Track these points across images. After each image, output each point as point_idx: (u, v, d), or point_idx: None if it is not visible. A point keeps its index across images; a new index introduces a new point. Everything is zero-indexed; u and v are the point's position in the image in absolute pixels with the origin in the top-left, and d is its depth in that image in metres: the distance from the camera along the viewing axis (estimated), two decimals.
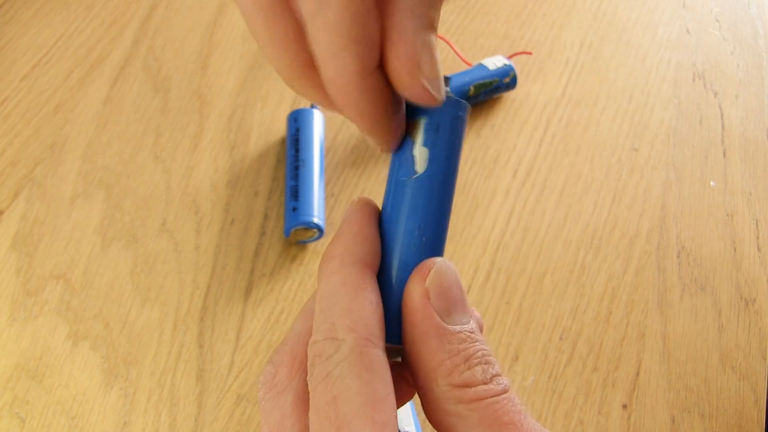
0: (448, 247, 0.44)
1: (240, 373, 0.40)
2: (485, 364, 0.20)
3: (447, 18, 0.56)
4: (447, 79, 0.22)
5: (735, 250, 0.45)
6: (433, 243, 0.22)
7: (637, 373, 0.40)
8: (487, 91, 0.50)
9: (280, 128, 0.49)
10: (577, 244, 0.45)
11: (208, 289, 0.43)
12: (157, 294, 0.42)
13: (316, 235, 0.43)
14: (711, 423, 0.39)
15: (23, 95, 0.50)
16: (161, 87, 0.51)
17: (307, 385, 0.20)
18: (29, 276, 0.42)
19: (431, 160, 0.22)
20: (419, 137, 0.22)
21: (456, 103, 0.22)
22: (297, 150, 0.45)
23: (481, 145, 0.49)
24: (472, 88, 0.49)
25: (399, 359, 0.23)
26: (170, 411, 0.39)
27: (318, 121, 0.47)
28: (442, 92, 0.21)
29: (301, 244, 0.44)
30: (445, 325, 0.21)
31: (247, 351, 0.40)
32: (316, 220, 0.42)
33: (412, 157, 0.22)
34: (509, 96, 0.52)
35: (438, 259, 0.22)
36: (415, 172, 0.22)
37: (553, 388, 0.40)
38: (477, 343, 0.21)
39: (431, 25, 0.20)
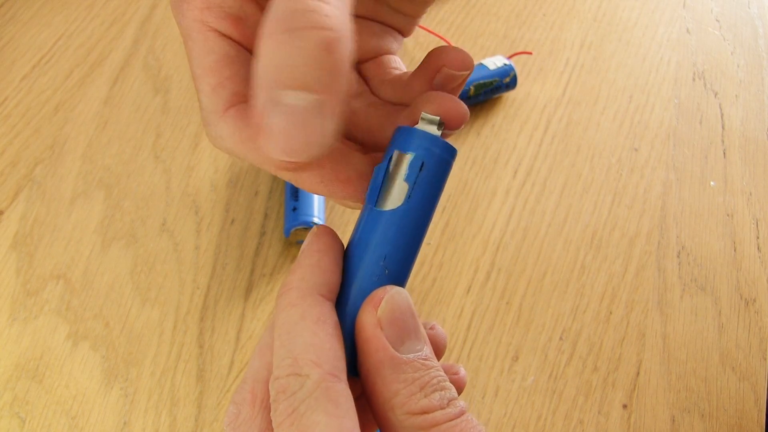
0: (448, 247, 0.44)
1: (240, 373, 0.40)
2: (441, 390, 0.20)
3: (447, 18, 0.56)
4: (442, 124, 0.23)
5: (735, 250, 0.45)
6: (396, 276, 0.22)
7: (637, 373, 0.40)
8: (487, 91, 0.50)
9: None
10: (577, 244, 0.45)
11: (208, 289, 0.43)
12: (157, 294, 0.42)
13: None
14: (711, 423, 0.39)
15: (23, 95, 0.50)
16: (161, 87, 0.51)
17: (270, 422, 0.20)
18: (29, 276, 0.42)
19: (409, 196, 0.22)
20: (402, 171, 0.22)
21: (447, 147, 0.22)
22: None
23: (481, 145, 0.49)
24: (472, 88, 0.49)
25: None
26: (170, 411, 0.39)
27: None
28: (304, 155, 0.17)
29: (301, 244, 0.44)
30: (399, 354, 0.20)
31: (247, 351, 0.40)
32: (316, 220, 0.42)
33: (391, 189, 0.22)
34: (509, 96, 0.52)
35: (389, 287, 0.21)
36: (390, 205, 0.22)
37: (553, 388, 0.40)
38: (432, 370, 0.21)
39: (284, 83, 0.16)
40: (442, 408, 0.20)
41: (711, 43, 0.56)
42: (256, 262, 0.43)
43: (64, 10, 0.54)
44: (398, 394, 0.20)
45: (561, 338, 0.41)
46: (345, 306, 0.22)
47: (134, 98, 0.50)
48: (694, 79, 0.54)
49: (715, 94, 0.53)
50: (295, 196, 0.43)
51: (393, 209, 0.22)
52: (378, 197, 0.22)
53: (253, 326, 0.41)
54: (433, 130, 0.22)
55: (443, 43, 0.53)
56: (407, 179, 0.22)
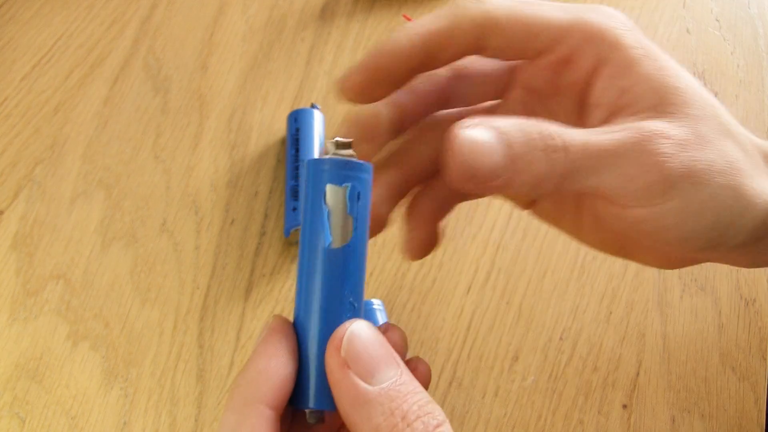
0: (448, 247, 0.44)
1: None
2: (424, 415, 0.20)
3: None
4: (350, 144, 0.23)
5: None
6: (359, 305, 0.22)
7: (637, 373, 0.41)
8: None
9: (280, 128, 0.49)
10: (577, 244, 0.45)
11: (208, 289, 0.43)
12: (157, 294, 0.42)
13: None
14: (711, 423, 0.39)
15: (23, 95, 0.50)
16: (161, 87, 0.51)
17: None
18: (29, 276, 0.42)
19: (356, 228, 0.22)
20: (341, 205, 0.22)
21: (370, 169, 0.23)
22: (297, 150, 0.45)
23: None
24: None
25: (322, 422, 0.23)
26: (170, 411, 0.39)
27: (318, 121, 0.47)
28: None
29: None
30: (371, 388, 0.20)
31: (247, 351, 0.41)
32: None
33: (338, 225, 0.22)
34: None
35: (347, 322, 0.21)
36: (339, 240, 0.22)
37: (553, 388, 0.40)
38: (409, 395, 0.20)
39: None
40: None
41: (711, 43, 0.56)
42: (256, 262, 0.43)
43: (64, 10, 0.54)
44: (379, 428, 0.20)
45: (561, 338, 0.41)
46: (318, 349, 0.22)
47: (134, 98, 0.50)
48: None
49: (715, 94, 0.53)
50: (295, 196, 0.43)
51: (346, 244, 0.22)
52: (323, 235, 0.22)
53: (253, 326, 0.41)
54: (350, 153, 0.23)
55: None
56: (350, 212, 0.22)
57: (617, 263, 0.44)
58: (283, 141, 0.48)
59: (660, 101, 0.24)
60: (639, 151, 0.23)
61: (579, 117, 0.27)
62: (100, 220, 0.45)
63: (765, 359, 0.41)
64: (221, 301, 0.42)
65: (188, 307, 0.42)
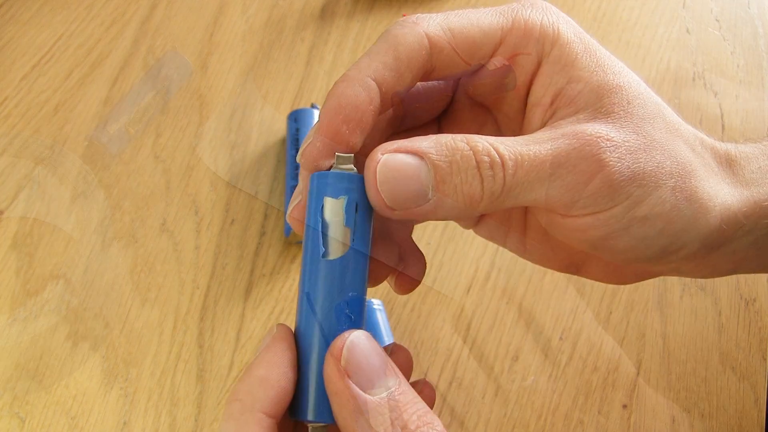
0: (448, 247, 0.44)
1: (240, 373, 0.40)
2: (424, 425, 0.20)
3: None
4: (347, 158, 0.23)
5: None
6: (358, 317, 0.22)
7: (637, 373, 0.40)
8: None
9: (280, 128, 0.49)
10: None
11: (208, 289, 0.43)
12: (157, 294, 0.42)
13: None
14: (711, 423, 0.39)
15: (23, 95, 0.50)
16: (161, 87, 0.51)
17: None
18: (29, 276, 0.42)
19: (353, 240, 0.22)
20: (339, 217, 0.22)
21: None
22: (297, 150, 0.45)
23: None
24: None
25: None
26: (170, 411, 0.39)
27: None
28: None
29: (301, 244, 0.44)
30: (372, 398, 0.20)
31: (247, 351, 0.40)
32: None
33: (334, 237, 0.22)
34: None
35: (347, 333, 0.21)
36: (336, 252, 0.22)
37: (553, 388, 0.40)
38: (409, 405, 0.20)
39: None
40: None
41: (711, 43, 0.56)
42: (256, 262, 0.43)
43: (64, 10, 0.54)
44: None
45: (561, 338, 0.41)
46: (317, 354, 0.22)
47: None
48: (694, 79, 0.54)
49: (715, 94, 0.53)
50: None
51: (342, 256, 0.22)
52: (324, 248, 0.22)
53: (253, 326, 0.41)
54: (351, 167, 0.23)
55: None
56: (347, 223, 0.22)
57: None
58: (283, 141, 0.48)
59: (600, 100, 0.23)
60: (580, 158, 0.22)
61: (522, 119, 0.26)
62: (100, 220, 0.45)
63: (765, 359, 0.41)
64: (221, 301, 0.42)
65: (188, 307, 0.42)
